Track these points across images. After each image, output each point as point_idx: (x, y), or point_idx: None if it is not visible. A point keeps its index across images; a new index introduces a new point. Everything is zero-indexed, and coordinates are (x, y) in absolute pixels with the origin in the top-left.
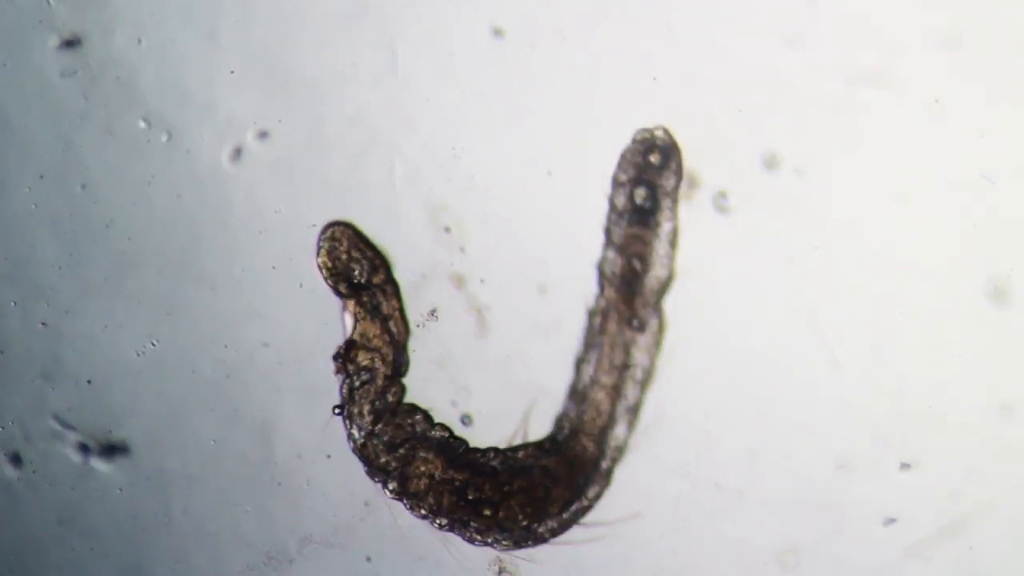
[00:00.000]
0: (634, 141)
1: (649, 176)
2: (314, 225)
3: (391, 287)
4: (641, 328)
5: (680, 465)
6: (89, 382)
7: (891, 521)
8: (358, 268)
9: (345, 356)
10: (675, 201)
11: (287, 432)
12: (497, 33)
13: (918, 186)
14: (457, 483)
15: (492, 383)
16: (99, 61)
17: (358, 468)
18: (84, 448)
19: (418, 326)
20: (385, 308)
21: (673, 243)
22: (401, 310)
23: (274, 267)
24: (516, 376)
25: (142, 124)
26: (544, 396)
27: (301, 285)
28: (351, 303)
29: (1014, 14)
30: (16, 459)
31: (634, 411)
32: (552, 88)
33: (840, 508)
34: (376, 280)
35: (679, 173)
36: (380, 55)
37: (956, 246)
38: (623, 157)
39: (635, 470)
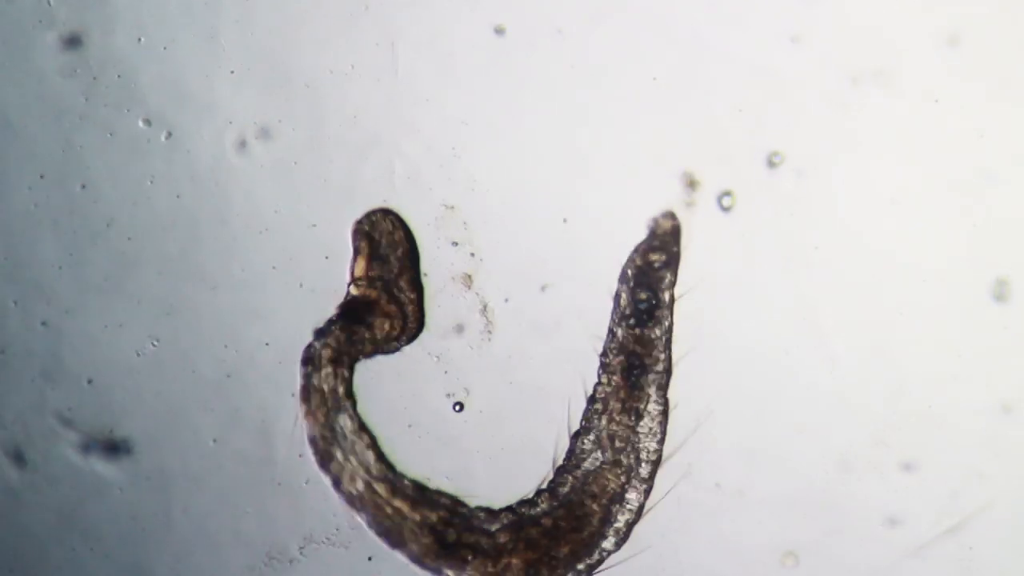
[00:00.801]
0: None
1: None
2: (314, 225)
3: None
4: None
5: (680, 464)
6: (89, 382)
7: (891, 521)
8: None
9: (352, 316)
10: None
11: (287, 432)
12: (497, 32)
13: (918, 186)
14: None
15: (492, 383)
16: (99, 61)
17: None
18: (84, 448)
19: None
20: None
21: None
22: (409, 315)
23: (274, 267)
24: (516, 376)
25: (142, 124)
26: (543, 398)
27: (301, 285)
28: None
29: (1015, 14)
30: (16, 458)
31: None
32: (552, 88)
33: (840, 508)
34: (402, 283)
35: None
36: (380, 55)
37: (956, 246)
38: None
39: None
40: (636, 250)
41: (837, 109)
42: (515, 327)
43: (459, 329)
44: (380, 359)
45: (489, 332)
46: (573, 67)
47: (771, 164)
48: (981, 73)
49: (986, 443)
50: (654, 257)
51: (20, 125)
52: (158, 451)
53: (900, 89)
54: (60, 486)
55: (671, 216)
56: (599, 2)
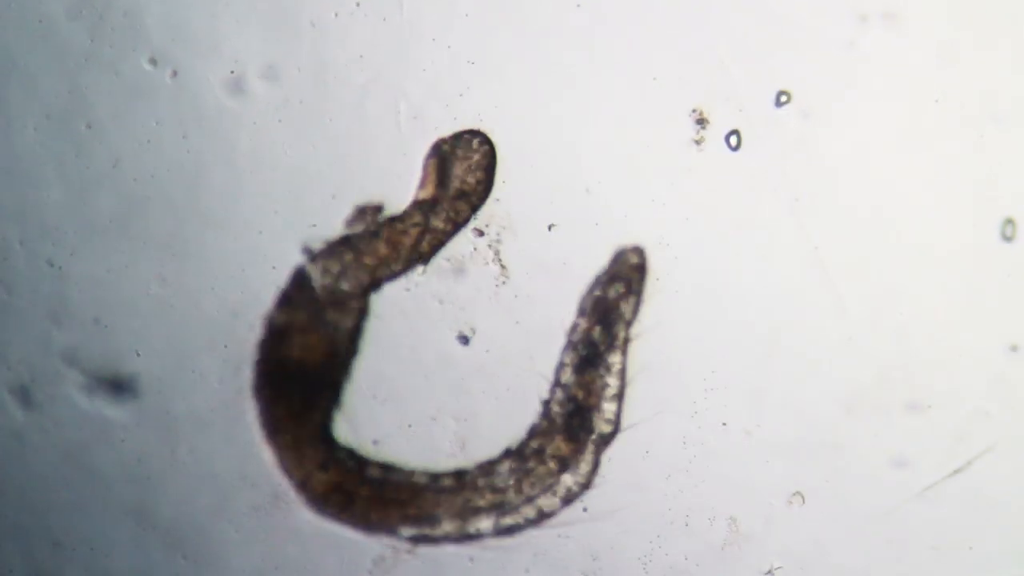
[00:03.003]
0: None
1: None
2: (319, 166)
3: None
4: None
5: (686, 405)
6: (96, 321)
7: (897, 462)
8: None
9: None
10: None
11: None
12: None
13: (926, 126)
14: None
15: (498, 323)
16: (104, 1)
17: (363, 402)
18: (90, 389)
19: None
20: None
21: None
22: (436, 243)
23: (278, 210)
24: (522, 315)
25: (147, 64)
26: (549, 338)
27: (314, 226)
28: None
29: None
30: (22, 400)
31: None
32: (559, 26)
33: (847, 449)
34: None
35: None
36: None
37: (963, 186)
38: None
39: (642, 411)
40: (597, 281)
41: (844, 48)
42: (521, 266)
43: (463, 272)
44: (389, 298)
45: (503, 280)
46: (580, 5)
47: (778, 103)
48: (989, 11)
49: (993, 383)
50: (614, 290)
51: (26, 66)
52: (164, 392)
53: (907, 28)
54: (66, 427)
55: (638, 252)
56: None
